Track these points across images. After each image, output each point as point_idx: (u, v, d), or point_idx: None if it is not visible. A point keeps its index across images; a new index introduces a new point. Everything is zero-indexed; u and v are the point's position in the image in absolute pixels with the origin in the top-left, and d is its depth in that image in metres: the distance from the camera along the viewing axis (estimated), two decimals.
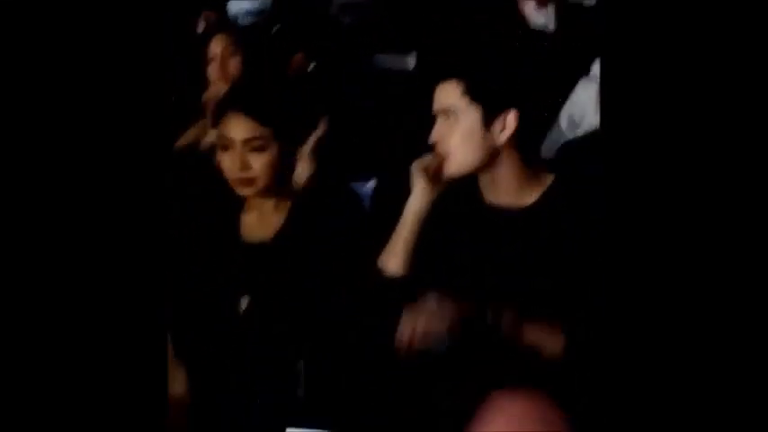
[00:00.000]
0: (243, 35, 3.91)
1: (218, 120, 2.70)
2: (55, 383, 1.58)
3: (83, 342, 1.60)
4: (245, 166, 2.64)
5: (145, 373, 1.62)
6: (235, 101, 2.69)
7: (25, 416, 1.56)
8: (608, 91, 1.82)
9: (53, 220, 1.58)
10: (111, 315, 1.61)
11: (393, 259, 2.53)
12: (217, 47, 3.78)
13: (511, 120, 2.43)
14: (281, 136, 2.67)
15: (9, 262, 1.55)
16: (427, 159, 2.52)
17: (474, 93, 2.42)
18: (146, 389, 1.62)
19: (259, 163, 2.65)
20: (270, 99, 2.73)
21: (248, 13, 5.00)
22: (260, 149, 2.65)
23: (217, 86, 3.65)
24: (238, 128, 2.63)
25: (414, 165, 2.55)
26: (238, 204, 2.75)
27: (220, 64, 3.75)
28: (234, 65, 3.75)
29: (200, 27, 4.68)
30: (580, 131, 3.86)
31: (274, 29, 4.57)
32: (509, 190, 2.50)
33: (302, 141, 3.07)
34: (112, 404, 1.61)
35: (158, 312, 1.64)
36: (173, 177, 2.12)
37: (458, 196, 2.55)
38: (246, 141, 2.63)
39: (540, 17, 4.42)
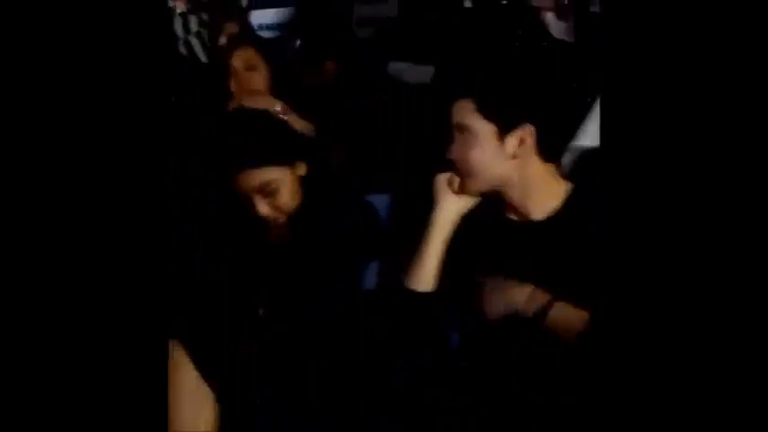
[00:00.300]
0: (266, 48, 3.92)
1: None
2: (55, 383, 1.59)
3: (81, 342, 1.61)
4: (271, 208, 2.67)
5: (145, 376, 1.63)
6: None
7: (25, 416, 1.57)
8: (610, 104, 1.82)
9: (54, 220, 1.59)
10: (111, 316, 1.62)
11: (424, 276, 2.54)
12: (238, 60, 3.79)
13: (526, 135, 2.44)
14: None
15: (8, 259, 1.56)
16: (450, 174, 2.53)
17: (486, 110, 2.43)
18: (146, 392, 1.63)
19: (281, 201, 2.68)
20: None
21: (270, 25, 5.02)
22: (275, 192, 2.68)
23: (238, 99, 3.66)
24: (252, 178, 2.66)
25: (437, 179, 2.56)
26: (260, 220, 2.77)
27: (242, 77, 3.76)
28: (257, 79, 3.76)
29: (222, 40, 4.70)
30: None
31: (297, 43, 4.59)
32: (529, 203, 2.50)
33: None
34: (112, 405, 1.62)
35: (161, 316, 1.65)
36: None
37: (480, 211, 2.56)
38: (262, 187, 2.67)
39: (560, 28, 4.42)
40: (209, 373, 2.57)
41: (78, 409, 1.59)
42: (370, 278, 2.76)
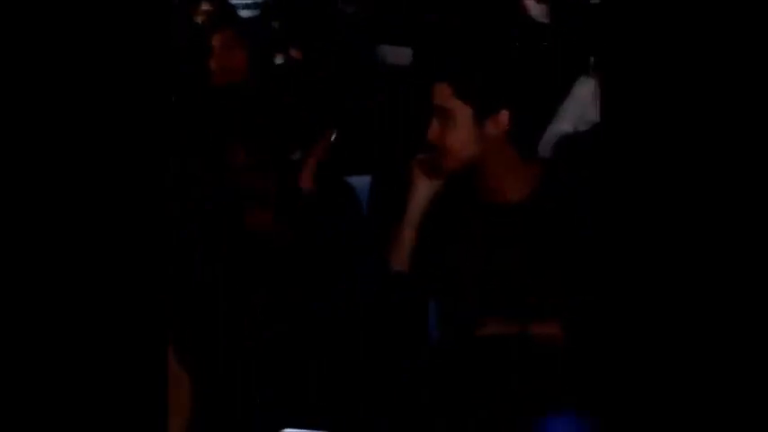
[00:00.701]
0: (244, 28, 3.93)
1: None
2: (54, 383, 1.59)
3: (80, 342, 1.61)
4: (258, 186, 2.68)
5: (145, 375, 1.63)
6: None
7: (25, 416, 1.57)
8: (608, 89, 1.83)
9: (54, 220, 1.59)
10: (111, 316, 1.62)
11: (398, 256, 2.57)
12: (217, 40, 3.79)
13: (503, 119, 2.47)
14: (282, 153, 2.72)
15: (8, 258, 1.56)
16: (425, 156, 2.56)
17: (464, 94, 2.46)
18: (146, 390, 1.63)
19: (269, 180, 2.69)
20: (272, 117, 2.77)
21: (248, 4, 5.01)
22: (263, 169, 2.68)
23: (219, 79, 3.67)
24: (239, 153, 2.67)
25: (414, 161, 2.59)
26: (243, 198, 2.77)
27: (221, 56, 3.77)
28: (237, 58, 3.77)
29: (200, 18, 4.68)
30: (579, 127, 3.89)
31: (276, 24, 4.58)
32: (504, 186, 2.53)
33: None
34: (112, 405, 1.62)
35: (159, 311, 1.65)
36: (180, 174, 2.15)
37: (456, 194, 2.58)
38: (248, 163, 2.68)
39: (539, 12, 4.45)
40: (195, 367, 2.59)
41: (78, 409, 1.59)
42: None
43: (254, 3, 5.21)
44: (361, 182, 3.03)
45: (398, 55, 4.36)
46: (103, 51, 1.59)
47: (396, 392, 2.48)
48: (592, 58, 3.89)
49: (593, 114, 3.77)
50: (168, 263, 1.66)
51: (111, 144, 1.59)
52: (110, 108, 1.59)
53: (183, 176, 2.71)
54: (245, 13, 5.02)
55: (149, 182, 1.61)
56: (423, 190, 2.58)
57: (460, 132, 2.48)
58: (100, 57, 1.59)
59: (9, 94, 1.54)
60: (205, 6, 4.74)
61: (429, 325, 2.71)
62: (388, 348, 2.56)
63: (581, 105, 3.91)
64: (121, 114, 1.60)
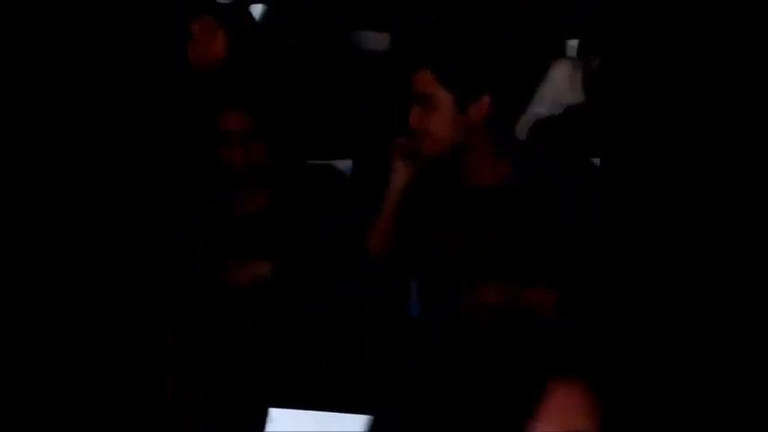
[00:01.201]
0: (224, 14, 3.93)
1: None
2: (54, 381, 1.61)
3: (80, 340, 1.63)
4: (248, 154, 2.72)
5: (145, 375, 1.65)
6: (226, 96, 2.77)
7: (25, 415, 1.59)
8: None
9: (54, 220, 1.61)
10: (111, 315, 1.64)
11: (376, 240, 2.63)
12: (196, 26, 3.80)
13: (484, 105, 2.52)
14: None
15: (8, 258, 1.57)
16: (403, 141, 2.62)
17: (447, 81, 2.51)
18: (146, 392, 1.65)
19: (259, 151, 2.73)
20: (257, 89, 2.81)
21: None
22: (255, 139, 2.73)
23: (198, 66, 3.67)
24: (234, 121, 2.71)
25: (393, 145, 2.64)
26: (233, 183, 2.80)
27: (200, 43, 3.78)
28: (217, 44, 3.78)
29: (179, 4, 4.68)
30: (555, 110, 3.92)
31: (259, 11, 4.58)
32: (480, 170, 2.60)
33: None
34: (111, 404, 1.63)
35: (161, 316, 1.67)
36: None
37: (437, 177, 2.64)
38: (241, 133, 2.72)
39: None
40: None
41: (77, 408, 1.61)
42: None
43: None
44: (342, 165, 3.07)
45: (376, 40, 4.39)
46: (103, 51, 1.61)
47: (400, 390, 2.53)
48: (569, 42, 3.94)
49: (568, 98, 3.82)
50: (168, 263, 1.68)
51: (111, 144, 1.61)
52: (110, 108, 1.62)
53: (183, 176, 2.74)
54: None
55: (149, 182, 1.63)
56: (400, 175, 2.64)
57: (442, 118, 2.54)
58: (100, 57, 1.61)
59: (9, 96, 1.56)
60: None
61: (410, 305, 2.77)
62: (369, 330, 2.60)
63: (556, 89, 3.95)
64: (121, 114, 1.62)
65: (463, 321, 2.52)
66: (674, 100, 1.74)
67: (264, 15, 4.49)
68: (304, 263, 2.72)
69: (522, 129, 3.72)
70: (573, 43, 3.97)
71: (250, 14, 4.52)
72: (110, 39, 1.64)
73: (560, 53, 4.01)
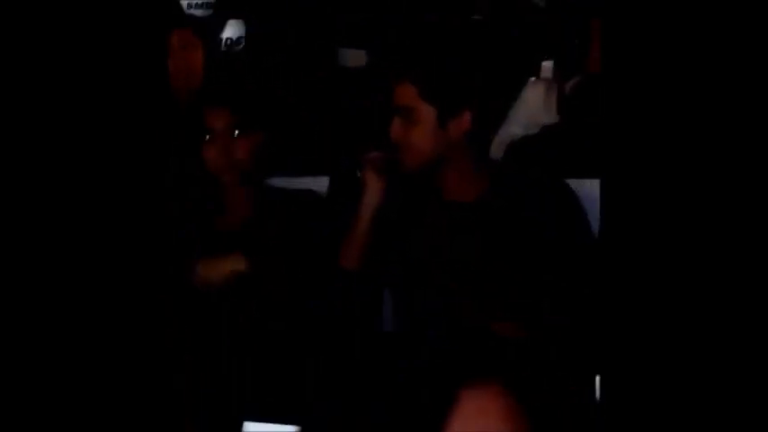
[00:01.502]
0: (202, 27, 3.93)
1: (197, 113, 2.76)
2: (54, 381, 1.59)
3: (80, 340, 1.62)
4: (229, 152, 2.71)
5: (145, 375, 1.64)
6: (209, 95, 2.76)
7: (25, 413, 1.58)
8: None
9: (54, 220, 1.60)
10: (111, 314, 1.63)
11: (349, 255, 2.63)
12: (175, 39, 3.80)
13: (465, 120, 2.54)
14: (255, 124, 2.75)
15: (8, 258, 1.57)
16: (375, 155, 2.63)
17: (429, 95, 2.52)
18: (146, 392, 1.64)
19: (242, 150, 2.72)
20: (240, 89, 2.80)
21: (200, 4, 4.99)
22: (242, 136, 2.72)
23: (177, 81, 3.66)
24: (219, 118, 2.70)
25: (364, 161, 2.65)
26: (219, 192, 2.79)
27: (178, 55, 3.77)
28: (193, 57, 3.77)
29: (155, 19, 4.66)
30: (530, 129, 3.95)
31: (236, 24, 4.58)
32: (459, 186, 2.61)
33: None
34: (112, 404, 1.62)
35: (161, 315, 1.66)
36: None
37: (418, 190, 2.65)
38: (227, 130, 2.70)
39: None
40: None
41: (77, 408, 1.60)
42: None
43: (205, 2, 5.19)
44: (318, 183, 3.06)
45: (354, 57, 4.40)
46: (103, 52, 1.61)
47: (392, 392, 2.53)
48: (543, 62, 3.97)
49: (543, 118, 3.84)
50: (168, 263, 1.68)
51: (111, 144, 1.61)
52: (110, 108, 1.61)
53: (183, 176, 2.73)
54: (198, 13, 5.00)
55: (149, 182, 1.63)
56: (373, 190, 2.65)
57: (424, 131, 2.55)
58: (99, 57, 1.61)
59: (8, 97, 1.55)
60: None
61: (383, 317, 2.77)
62: (341, 341, 2.60)
63: (530, 109, 3.97)
64: (121, 115, 1.62)
65: (451, 324, 2.53)
66: (659, 119, 1.75)
67: (246, 28, 4.49)
68: (280, 272, 2.71)
69: (497, 148, 3.74)
70: (548, 64, 3.99)
71: (224, 28, 4.53)
72: (105, 38, 1.63)
73: (535, 74, 4.03)
